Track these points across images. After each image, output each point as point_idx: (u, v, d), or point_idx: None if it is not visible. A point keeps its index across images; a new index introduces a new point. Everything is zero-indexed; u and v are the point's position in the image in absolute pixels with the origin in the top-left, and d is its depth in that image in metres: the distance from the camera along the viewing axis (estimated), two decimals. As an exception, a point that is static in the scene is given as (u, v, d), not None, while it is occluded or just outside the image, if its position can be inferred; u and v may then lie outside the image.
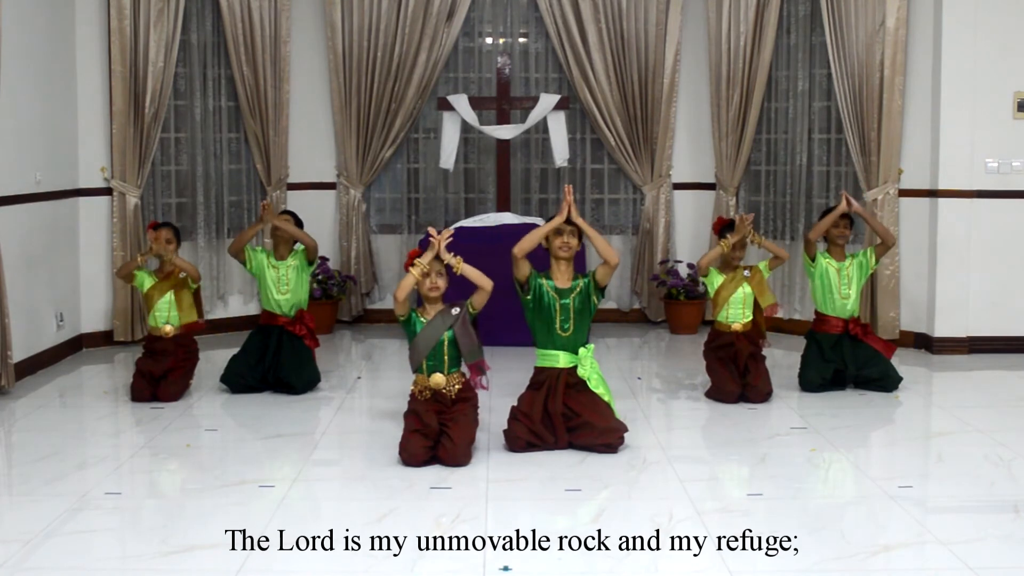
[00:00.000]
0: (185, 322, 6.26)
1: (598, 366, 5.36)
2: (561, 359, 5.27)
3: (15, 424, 5.80)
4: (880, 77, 7.63)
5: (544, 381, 5.27)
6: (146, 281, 6.27)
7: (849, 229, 6.50)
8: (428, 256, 5.03)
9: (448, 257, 5.04)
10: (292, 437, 5.51)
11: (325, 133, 8.62)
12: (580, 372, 5.26)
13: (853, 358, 6.43)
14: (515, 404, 5.32)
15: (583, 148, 8.74)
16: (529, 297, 5.24)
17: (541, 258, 5.43)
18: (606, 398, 5.27)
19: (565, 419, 5.19)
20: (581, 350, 5.28)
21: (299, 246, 6.49)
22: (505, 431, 5.26)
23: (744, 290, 6.23)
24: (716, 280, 6.29)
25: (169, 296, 6.23)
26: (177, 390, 6.19)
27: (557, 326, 5.22)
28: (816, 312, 6.55)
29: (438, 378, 5.08)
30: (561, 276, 5.30)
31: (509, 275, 5.35)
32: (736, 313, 6.24)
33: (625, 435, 5.23)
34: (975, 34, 7.41)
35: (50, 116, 7.19)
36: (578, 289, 5.27)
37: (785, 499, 4.61)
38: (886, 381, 6.39)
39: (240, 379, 6.34)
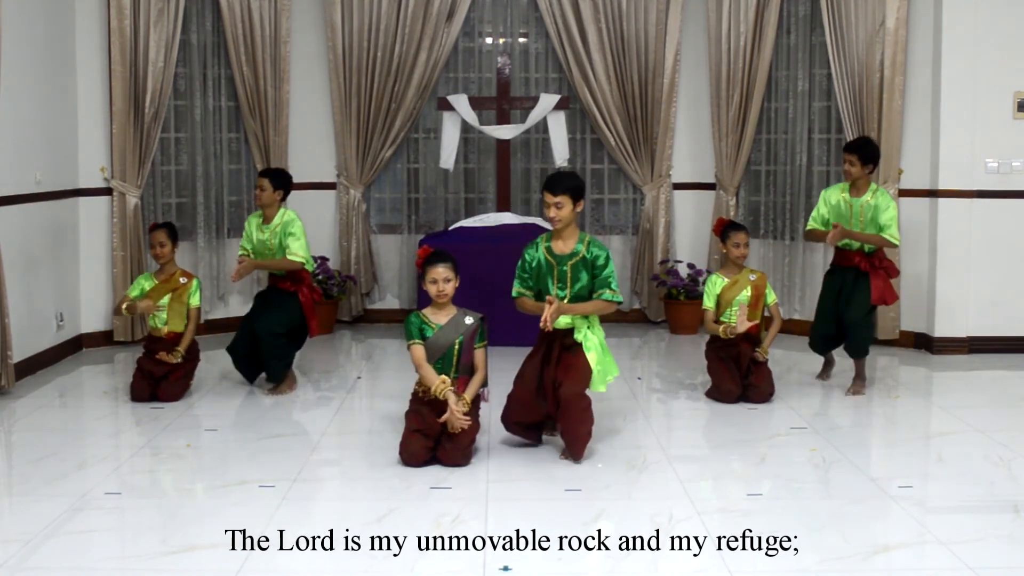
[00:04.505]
0: (172, 330, 6.23)
1: (602, 334, 5.23)
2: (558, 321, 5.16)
3: (15, 424, 5.80)
4: (880, 77, 7.63)
5: (541, 343, 5.22)
6: (145, 284, 6.27)
7: (863, 167, 6.28)
8: (434, 390, 4.97)
9: (460, 400, 4.98)
10: (292, 437, 5.52)
11: (325, 133, 8.62)
12: (577, 336, 5.14)
13: (847, 300, 6.34)
14: (513, 384, 5.27)
15: (583, 148, 8.74)
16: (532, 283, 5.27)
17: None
18: (597, 367, 5.12)
19: (555, 387, 5.11)
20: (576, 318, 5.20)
21: (292, 215, 6.43)
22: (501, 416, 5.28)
23: (748, 292, 6.22)
24: (718, 284, 6.27)
25: (167, 299, 6.23)
26: (177, 390, 6.19)
27: (553, 290, 5.15)
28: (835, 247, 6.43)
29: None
30: (560, 242, 5.22)
31: (507, 274, 5.34)
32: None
33: (592, 403, 5.12)
34: (975, 34, 7.41)
35: (50, 116, 7.19)
36: (579, 256, 5.16)
37: (785, 499, 4.61)
38: (852, 342, 6.30)
39: (239, 343, 6.48)
